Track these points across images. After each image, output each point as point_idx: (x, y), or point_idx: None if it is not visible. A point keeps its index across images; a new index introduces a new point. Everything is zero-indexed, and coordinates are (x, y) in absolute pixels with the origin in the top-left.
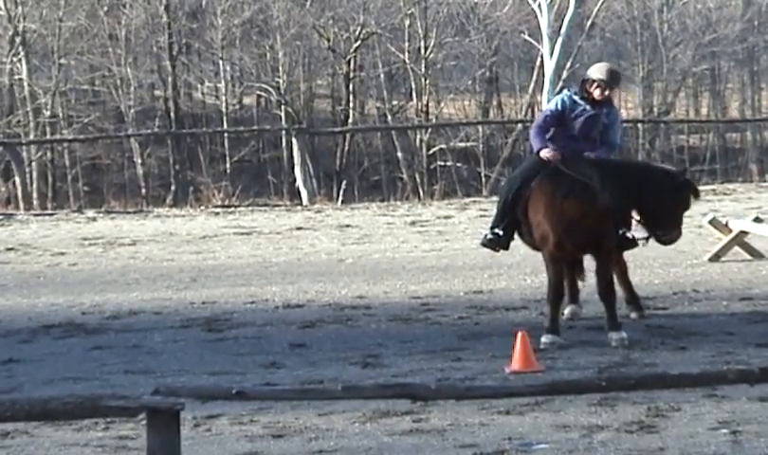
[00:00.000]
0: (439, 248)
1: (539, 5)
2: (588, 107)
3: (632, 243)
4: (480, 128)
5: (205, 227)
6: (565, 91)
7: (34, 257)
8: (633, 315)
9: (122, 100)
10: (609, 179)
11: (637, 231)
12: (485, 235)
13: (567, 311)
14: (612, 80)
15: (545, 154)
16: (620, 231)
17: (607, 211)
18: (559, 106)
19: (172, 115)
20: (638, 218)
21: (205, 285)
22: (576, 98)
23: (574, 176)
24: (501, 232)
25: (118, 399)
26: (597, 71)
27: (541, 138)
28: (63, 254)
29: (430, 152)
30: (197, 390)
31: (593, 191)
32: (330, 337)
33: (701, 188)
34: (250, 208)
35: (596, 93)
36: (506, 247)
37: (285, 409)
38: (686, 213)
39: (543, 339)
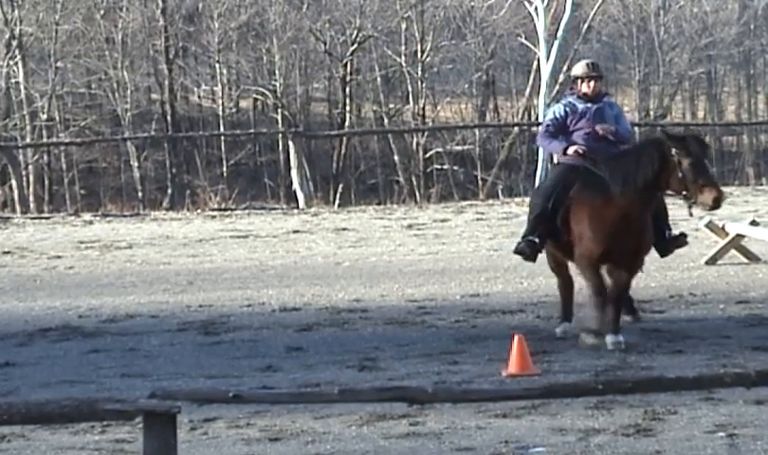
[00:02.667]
0: (436, 252)
1: (536, 8)
2: (588, 104)
3: (682, 239)
4: (476, 131)
5: (201, 231)
6: (561, 100)
7: (31, 260)
8: (627, 318)
9: (119, 104)
10: (616, 170)
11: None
12: (519, 243)
13: (559, 330)
14: (593, 70)
15: (573, 150)
16: (666, 233)
17: (644, 210)
18: (562, 112)
19: (168, 118)
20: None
21: (201, 289)
22: (572, 100)
23: (605, 178)
24: (537, 239)
25: (115, 402)
26: (578, 68)
27: (558, 140)
28: (59, 257)
29: (427, 155)
30: (194, 393)
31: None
32: (327, 341)
33: None
34: (247, 211)
35: (585, 88)
36: (534, 259)
37: (282, 412)
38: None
39: (608, 339)
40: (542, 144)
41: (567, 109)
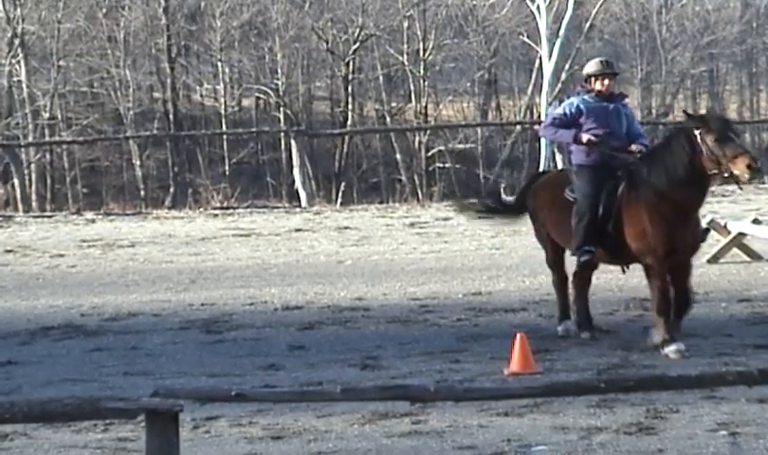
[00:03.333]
0: (438, 250)
1: (538, 7)
2: (604, 103)
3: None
4: (478, 130)
5: (204, 229)
6: (573, 98)
7: (33, 259)
8: (585, 334)
9: (121, 102)
10: (654, 166)
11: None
12: (579, 257)
13: (561, 328)
14: (607, 67)
15: (586, 138)
16: None
17: (699, 201)
18: (574, 110)
19: (170, 117)
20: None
21: (204, 287)
22: (587, 98)
23: (648, 179)
24: (593, 248)
25: (117, 401)
26: (591, 66)
27: (564, 131)
28: (61, 256)
29: (429, 153)
30: (196, 391)
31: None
32: (329, 339)
33: None
34: (249, 209)
35: (598, 86)
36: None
37: (284, 410)
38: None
39: (668, 350)
40: (547, 133)
41: (581, 106)
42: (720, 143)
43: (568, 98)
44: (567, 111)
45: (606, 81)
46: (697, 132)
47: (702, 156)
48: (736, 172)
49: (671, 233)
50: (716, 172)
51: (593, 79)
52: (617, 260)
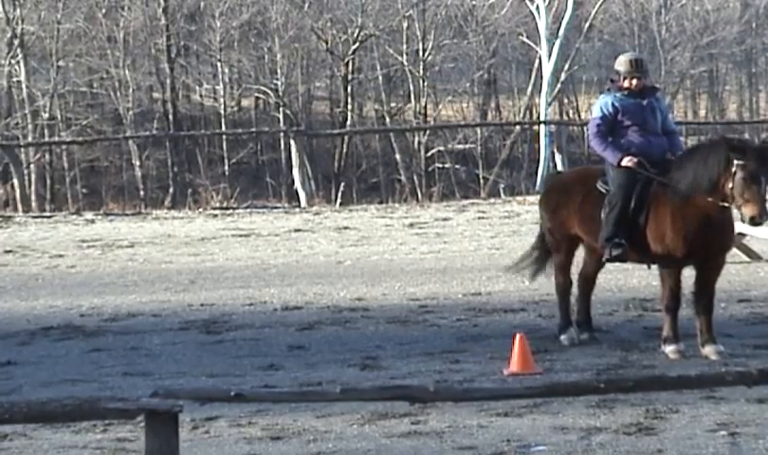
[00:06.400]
0: (437, 250)
1: (537, 7)
2: (638, 99)
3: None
4: (478, 130)
5: (203, 230)
6: (603, 96)
7: (32, 259)
8: (584, 335)
9: (121, 103)
10: (684, 170)
11: None
12: (609, 249)
13: (565, 338)
14: (637, 70)
15: (626, 163)
16: None
17: (724, 208)
18: (611, 108)
19: (170, 117)
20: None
21: (203, 287)
22: (619, 95)
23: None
24: (624, 241)
25: (117, 401)
26: (621, 64)
27: (612, 149)
28: (61, 256)
29: (429, 154)
30: (196, 392)
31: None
32: (328, 339)
33: None
34: (248, 210)
35: (627, 84)
36: (627, 258)
37: (284, 411)
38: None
39: (668, 349)
40: (597, 147)
41: (616, 104)
42: (745, 183)
43: (601, 94)
44: (606, 111)
45: (635, 82)
46: (735, 161)
47: (727, 182)
48: (742, 212)
49: (692, 238)
50: (726, 201)
51: (622, 76)
52: (644, 256)
